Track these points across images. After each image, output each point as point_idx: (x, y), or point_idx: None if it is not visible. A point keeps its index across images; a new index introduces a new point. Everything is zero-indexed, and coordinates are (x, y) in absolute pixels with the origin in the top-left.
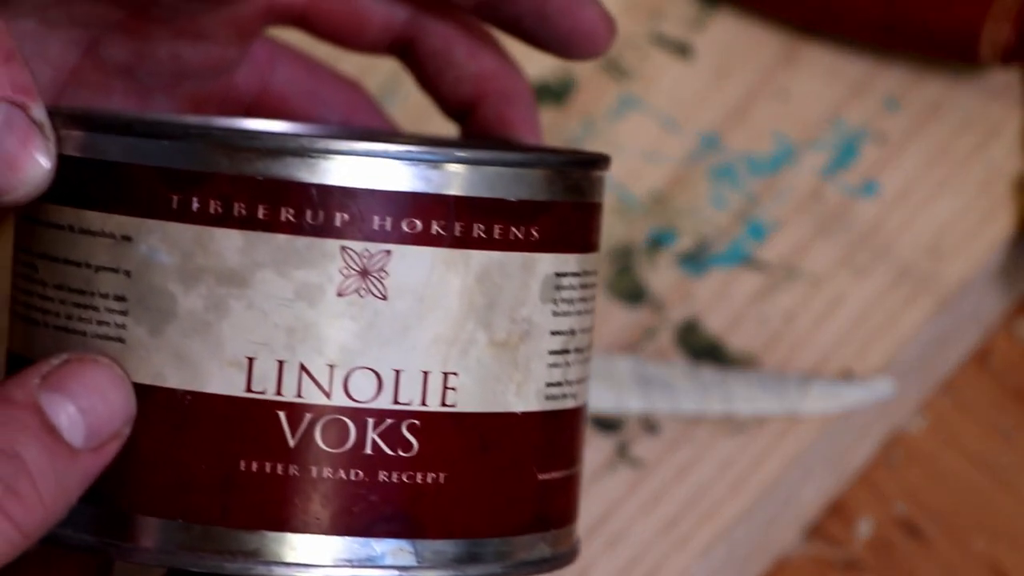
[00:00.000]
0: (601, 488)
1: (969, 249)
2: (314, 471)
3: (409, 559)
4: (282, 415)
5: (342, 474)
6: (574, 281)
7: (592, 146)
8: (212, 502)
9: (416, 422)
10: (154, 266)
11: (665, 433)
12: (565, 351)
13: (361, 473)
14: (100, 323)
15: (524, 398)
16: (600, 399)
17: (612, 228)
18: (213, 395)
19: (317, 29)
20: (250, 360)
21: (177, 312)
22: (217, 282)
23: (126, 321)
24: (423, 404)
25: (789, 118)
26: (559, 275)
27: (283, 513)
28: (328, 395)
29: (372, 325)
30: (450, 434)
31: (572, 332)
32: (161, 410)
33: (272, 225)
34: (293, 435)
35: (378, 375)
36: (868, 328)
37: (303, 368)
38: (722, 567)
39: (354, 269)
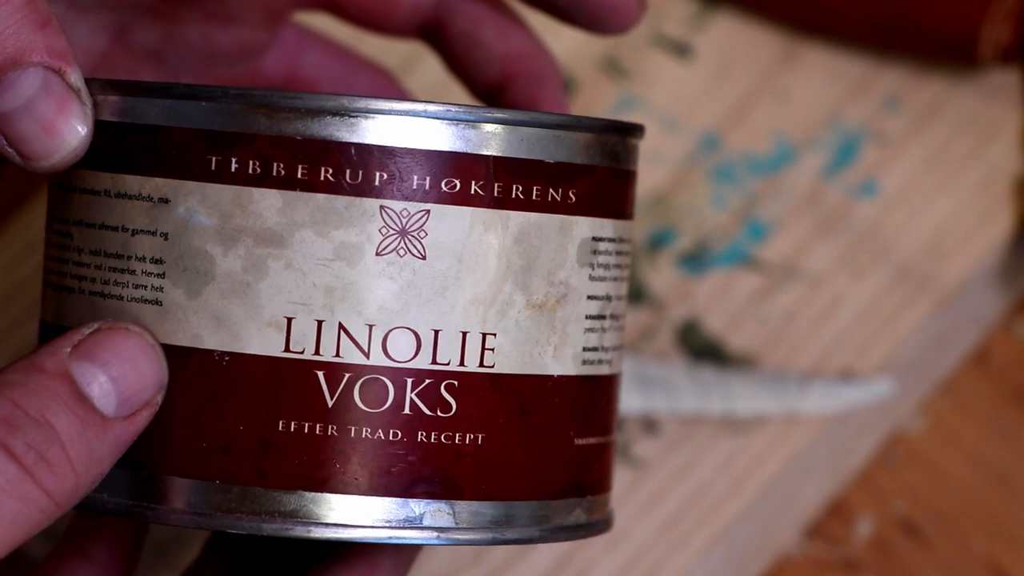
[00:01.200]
0: None
1: (968, 249)
2: (352, 431)
3: (447, 520)
4: (320, 375)
5: (380, 434)
6: (610, 247)
7: None
8: (249, 463)
9: (455, 382)
10: (192, 227)
11: (665, 433)
12: (601, 316)
13: (400, 433)
14: (137, 287)
15: (561, 361)
16: None
17: None
18: (251, 356)
19: (347, 13)
20: (288, 320)
21: (215, 273)
22: (256, 243)
23: (163, 284)
24: (461, 364)
25: (789, 118)
26: (596, 239)
27: (321, 473)
28: (367, 355)
29: (411, 285)
30: (488, 395)
31: (608, 298)
32: (199, 372)
33: (311, 185)
34: (332, 395)
35: (417, 335)
36: (868, 328)
37: (342, 328)
38: (722, 567)
39: (393, 229)
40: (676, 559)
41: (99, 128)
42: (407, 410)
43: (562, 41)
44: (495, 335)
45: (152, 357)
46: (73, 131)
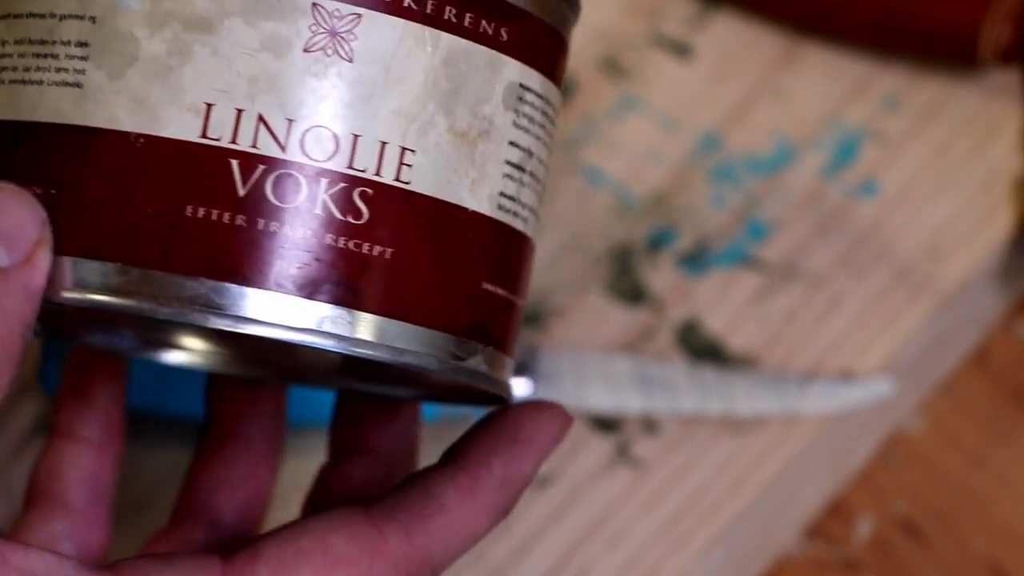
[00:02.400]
0: (601, 488)
1: (968, 249)
2: (261, 223)
3: (346, 329)
4: (234, 163)
5: (288, 230)
6: (536, 101)
7: (592, 146)
8: (154, 246)
9: (368, 191)
10: (121, 12)
11: (665, 433)
12: (521, 168)
13: (309, 232)
14: (59, 70)
15: (477, 197)
16: (600, 399)
17: (612, 228)
18: (167, 139)
19: None
20: (208, 106)
21: (139, 56)
22: (184, 27)
23: (86, 67)
24: (377, 174)
25: (789, 118)
26: (523, 87)
27: (225, 263)
28: (283, 148)
29: (335, 86)
30: (401, 210)
31: (530, 153)
32: (112, 154)
33: None
34: (244, 185)
35: (336, 136)
36: (868, 328)
37: (261, 119)
38: (722, 567)
39: (323, 27)
40: (676, 559)
41: None
42: (318, 210)
43: None
44: (414, 152)
45: (20, 197)
46: None
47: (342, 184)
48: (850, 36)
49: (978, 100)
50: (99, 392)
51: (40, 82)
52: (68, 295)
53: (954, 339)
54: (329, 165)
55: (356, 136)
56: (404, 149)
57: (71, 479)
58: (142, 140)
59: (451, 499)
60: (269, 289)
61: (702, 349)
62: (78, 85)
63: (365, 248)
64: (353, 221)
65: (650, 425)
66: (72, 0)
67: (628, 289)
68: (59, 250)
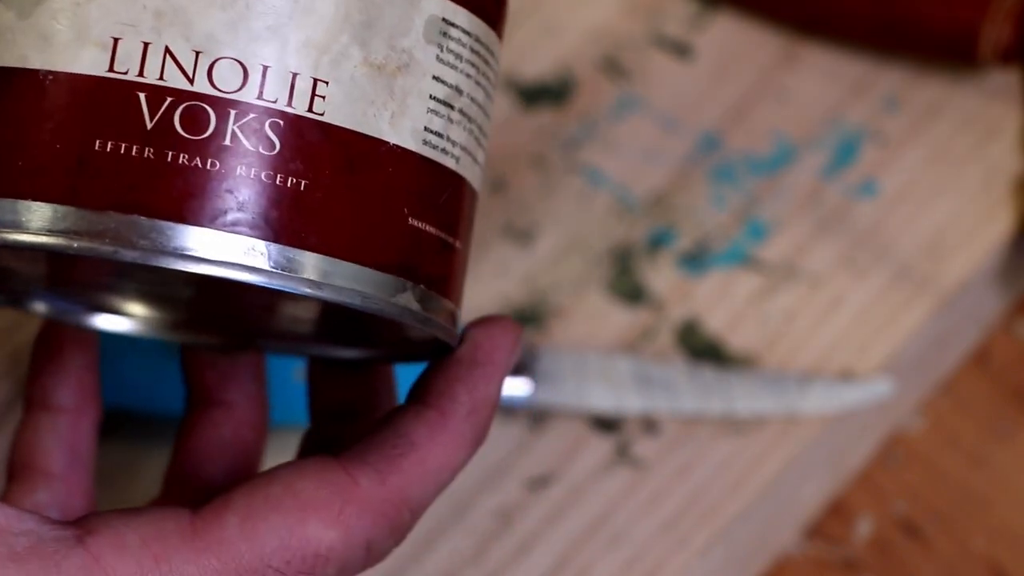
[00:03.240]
0: (601, 488)
1: (968, 249)
2: (170, 156)
3: (261, 261)
4: (142, 96)
5: (199, 162)
6: (464, 38)
7: (592, 146)
8: (63, 182)
9: (279, 122)
10: None
11: (665, 433)
12: (449, 105)
13: (218, 164)
14: None
15: (398, 131)
16: (600, 399)
17: (612, 228)
18: (74, 75)
19: None
20: (115, 40)
21: None
22: None
23: None
24: (289, 105)
25: (789, 118)
26: (447, 22)
27: (135, 197)
28: (191, 80)
29: (243, 16)
30: (315, 142)
31: (459, 90)
32: (21, 94)
33: None
34: (151, 118)
35: (244, 67)
36: (868, 328)
37: (168, 51)
38: (722, 567)
39: None
40: (676, 559)
41: None
42: (227, 141)
43: (562, 41)
44: (327, 83)
45: None
46: None
47: (252, 115)
48: (850, 36)
49: (978, 100)
50: (70, 359)
51: None
52: None
53: (954, 339)
54: (238, 96)
55: (265, 67)
56: (317, 80)
57: (49, 447)
58: (50, 77)
59: (421, 436)
60: (178, 221)
61: (702, 349)
62: None
63: (278, 179)
64: (264, 152)
65: (650, 425)
66: None
67: (628, 289)
68: None
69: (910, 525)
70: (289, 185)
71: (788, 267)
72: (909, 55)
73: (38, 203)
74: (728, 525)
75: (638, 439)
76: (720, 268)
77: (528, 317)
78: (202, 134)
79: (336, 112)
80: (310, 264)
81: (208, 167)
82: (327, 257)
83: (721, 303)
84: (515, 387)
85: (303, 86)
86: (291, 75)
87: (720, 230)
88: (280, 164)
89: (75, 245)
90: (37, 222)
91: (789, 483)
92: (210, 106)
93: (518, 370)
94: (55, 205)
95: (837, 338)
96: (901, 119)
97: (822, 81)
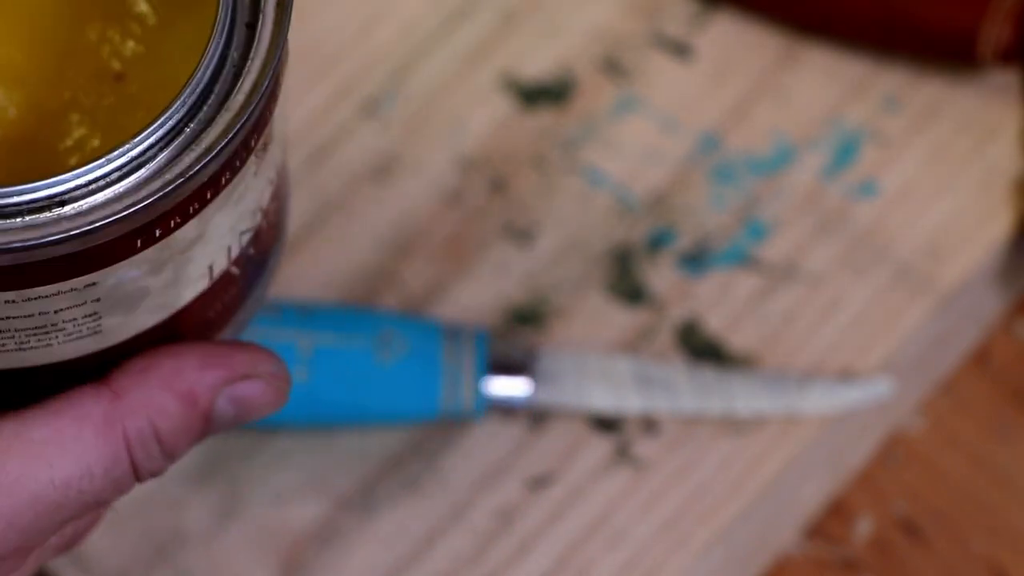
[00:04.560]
0: (601, 488)
1: (968, 249)
2: None
3: None
4: None
5: None
6: None
7: (592, 146)
8: None
9: None
10: None
11: (665, 433)
12: None
13: None
14: None
15: None
16: (600, 399)
17: (612, 228)
18: None
19: None
20: None
21: None
22: None
23: None
24: None
25: (789, 118)
26: None
27: None
28: None
29: None
30: None
31: None
32: None
33: None
34: None
35: None
36: (868, 328)
37: None
38: (722, 567)
39: None
40: (676, 559)
41: None
42: None
43: (562, 41)
44: None
45: None
46: None
47: None
48: (850, 36)
49: (978, 100)
50: None
51: None
52: None
53: (954, 339)
54: None
55: None
56: None
57: None
58: None
59: (164, 352)
60: None
61: (702, 349)
62: None
63: None
64: None
65: (650, 425)
66: None
67: (628, 289)
68: None
69: (910, 525)
70: None
71: (788, 267)
72: (909, 55)
73: None
74: (728, 525)
75: (638, 439)
76: (720, 268)
77: (528, 317)
78: None
79: None
80: None
81: None
82: None
83: (721, 303)
84: (515, 387)
85: None
86: None
87: (720, 230)
88: None
89: None
90: None
91: (789, 483)
92: None
93: (518, 370)
94: None
95: (837, 338)
96: (901, 119)
97: (822, 81)
